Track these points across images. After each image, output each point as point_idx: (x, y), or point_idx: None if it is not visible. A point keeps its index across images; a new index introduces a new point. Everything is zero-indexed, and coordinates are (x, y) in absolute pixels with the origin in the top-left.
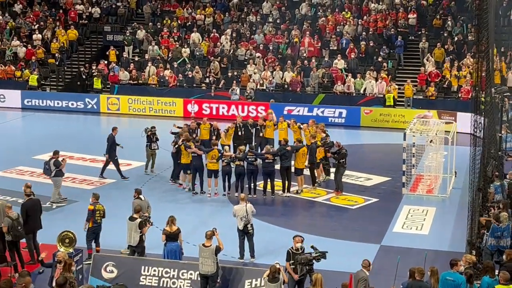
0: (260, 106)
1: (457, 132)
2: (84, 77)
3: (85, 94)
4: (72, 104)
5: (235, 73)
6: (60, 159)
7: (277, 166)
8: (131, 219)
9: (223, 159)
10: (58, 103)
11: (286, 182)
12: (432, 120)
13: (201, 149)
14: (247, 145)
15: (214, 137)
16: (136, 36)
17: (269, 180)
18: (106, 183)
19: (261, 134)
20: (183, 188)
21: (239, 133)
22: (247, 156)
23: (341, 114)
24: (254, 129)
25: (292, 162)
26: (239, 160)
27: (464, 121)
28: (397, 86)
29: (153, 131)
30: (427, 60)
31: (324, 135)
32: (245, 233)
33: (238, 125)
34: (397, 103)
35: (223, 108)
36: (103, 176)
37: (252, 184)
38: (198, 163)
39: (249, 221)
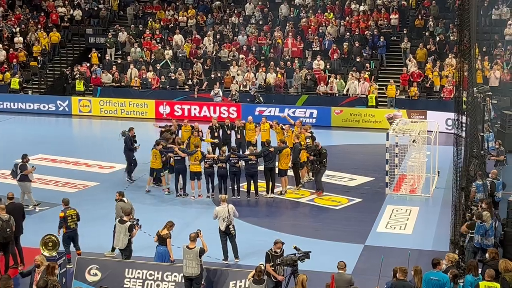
0: (232, 107)
1: (428, 131)
2: (67, 79)
3: (56, 97)
4: (44, 107)
5: (218, 75)
6: (29, 165)
7: (261, 167)
8: (121, 221)
9: (205, 160)
10: (29, 106)
11: (270, 183)
12: (403, 118)
13: (185, 151)
14: (228, 146)
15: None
16: (118, 39)
17: (252, 181)
18: (89, 186)
19: (238, 136)
20: (163, 190)
21: (215, 134)
22: (230, 158)
23: (312, 114)
24: (231, 130)
25: (276, 163)
26: (222, 162)
27: (434, 120)
28: (377, 86)
29: (133, 134)
30: (409, 60)
31: (308, 134)
32: (227, 234)
33: (213, 126)
34: (380, 103)
35: (194, 109)
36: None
37: (236, 186)
38: (181, 166)
39: (231, 222)
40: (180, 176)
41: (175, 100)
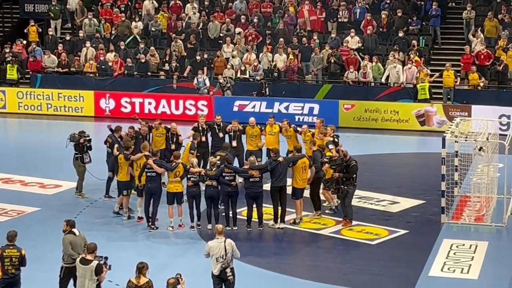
0: (201, 101)
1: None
2: None
3: None
4: None
5: (206, 57)
6: None
7: (266, 186)
8: (84, 262)
9: (189, 177)
10: None
11: (279, 208)
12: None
13: (163, 165)
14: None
15: (172, 146)
16: (67, 6)
17: (255, 205)
18: (25, 212)
19: (234, 144)
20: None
21: (202, 138)
22: (223, 173)
23: (312, 110)
24: (225, 134)
25: (288, 181)
26: (211, 179)
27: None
28: (429, 73)
29: (86, 137)
30: (473, 35)
31: (330, 139)
32: (223, 281)
33: (200, 128)
34: (433, 95)
35: (149, 103)
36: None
37: (231, 212)
38: (155, 185)
39: (229, 264)
40: (153, 199)
41: (146, 92)
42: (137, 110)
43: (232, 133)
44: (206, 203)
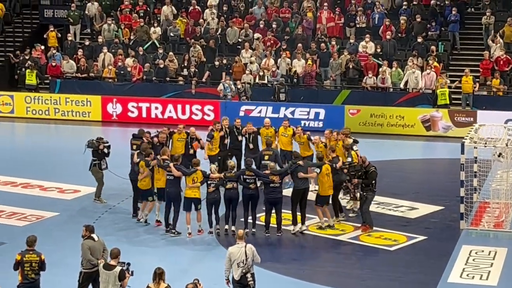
0: (208, 106)
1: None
2: (14, 69)
3: None
4: None
5: (225, 62)
6: None
7: (286, 192)
8: (107, 267)
9: (209, 183)
10: None
11: (298, 212)
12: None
13: (181, 169)
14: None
15: (191, 151)
16: (86, 12)
17: (274, 211)
18: (44, 217)
19: (251, 146)
20: (138, 220)
21: (225, 141)
22: (244, 175)
23: (318, 115)
24: (242, 137)
25: (311, 187)
26: (231, 181)
27: (486, 123)
28: (448, 80)
29: (105, 143)
30: (492, 41)
31: (350, 141)
32: (243, 286)
33: (225, 130)
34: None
35: (156, 108)
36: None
37: (250, 216)
38: (175, 190)
39: (249, 269)
40: (173, 204)
41: (165, 97)
42: (144, 115)
43: (247, 136)
44: (225, 205)
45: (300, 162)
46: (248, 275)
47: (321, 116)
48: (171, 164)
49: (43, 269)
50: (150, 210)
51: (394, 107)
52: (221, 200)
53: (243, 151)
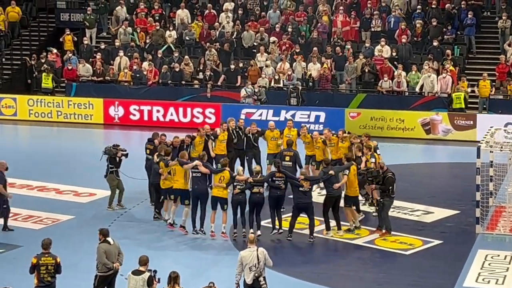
0: (209, 109)
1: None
2: (31, 72)
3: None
4: None
5: (240, 65)
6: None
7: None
8: (136, 272)
9: (235, 184)
10: None
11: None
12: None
13: (208, 167)
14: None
15: (212, 153)
16: (102, 15)
17: (307, 217)
18: (60, 220)
19: (255, 145)
20: (164, 221)
21: (234, 140)
22: (274, 178)
23: (318, 118)
24: (245, 137)
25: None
26: (258, 186)
27: (486, 127)
28: (466, 82)
29: (124, 151)
30: (509, 45)
31: (374, 142)
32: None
33: (231, 130)
34: (469, 105)
35: (157, 111)
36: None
37: (277, 216)
38: (201, 187)
39: (261, 273)
40: (200, 202)
41: (180, 100)
42: (146, 118)
43: (250, 135)
44: (250, 210)
45: (332, 172)
46: (261, 278)
47: (322, 119)
48: (198, 162)
49: (59, 272)
50: (173, 211)
51: (394, 110)
52: (246, 203)
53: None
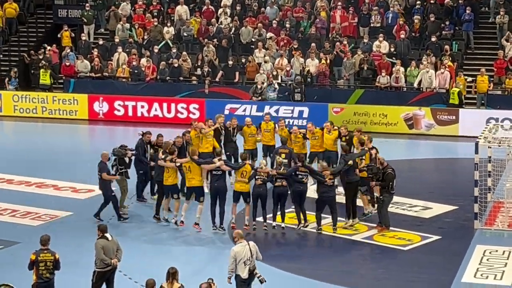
0: (193, 104)
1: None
2: (28, 68)
3: None
4: None
5: (239, 61)
6: None
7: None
8: None
9: (257, 177)
10: None
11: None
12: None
13: (229, 165)
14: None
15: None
16: (120, 11)
17: (330, 211)
18: (58, 217)
19: (234, 139)
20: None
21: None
22: (297, 172)
23: (302, 113)
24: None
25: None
26: (281, 179)
27: (468, 122)
28: (466, 78)
29: (133, 151)
30: (507, 40)
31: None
32: (248, 284)
33: (220, 127)
34: (466, 101)
35: (142, 107)
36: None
37: (302, 210)
38: (221, 184)
39: (255, 266)
40: (219, 198)
41: (179, 96)
42: (130, 113)
43: (231, 129)
44: (274, 202)
45: (351, 162)
46: (256, 271)
47: (305, 114)
48: (221, 162)
49: (58, 268)
50: (177, 209)
51: (378, 105)
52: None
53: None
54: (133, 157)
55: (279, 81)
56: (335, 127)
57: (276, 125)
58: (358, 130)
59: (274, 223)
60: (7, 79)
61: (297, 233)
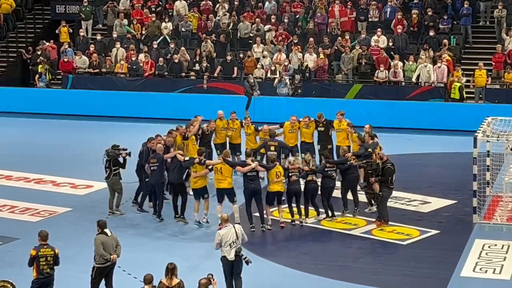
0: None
1: None
2: (26, 64)
3: None
4: None
5: (238, 56)
6: None
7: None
8: None
9: (290, 174)
10: None
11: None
12: None
13: (264, 165)
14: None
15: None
16: (120, 6)
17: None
18: (57, 213)
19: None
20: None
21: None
22: (326, 168)
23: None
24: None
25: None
26: (311, 174)
27: None
28: (460, 73)
29: (127, 151)
30: (506, 34)
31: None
32: (233, 266)
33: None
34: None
35: (140, 103)
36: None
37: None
38: (258, 185)
39: (241, 248)
40: (255, 198)
41: (177, 92)
42: (129, 109)
43: (209, 132)
44: (305, 198)
45: (370, 150)
46: (242, 253)
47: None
48: (256, 163)
49: (57, 263)
50: (207, 208)
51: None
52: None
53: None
54: (127, 157)
55: (289, 76)
56: (312, 120)
57: (243, 123)
58: (349, 125)
59: (307, 219)
60: (37, 76)
61: (293, 229)
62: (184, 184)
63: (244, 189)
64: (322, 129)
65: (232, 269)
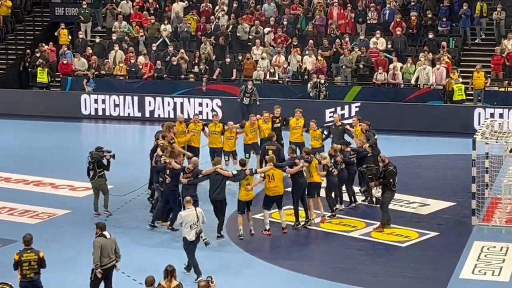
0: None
1: None
2: (25, 67)
3: None
4: None
5: (236, 59)
6: None
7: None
8: None
9: (331, 169)
10: None
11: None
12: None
13: (307, 161)
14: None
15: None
16: (119, 9)
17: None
18: (56, 215)
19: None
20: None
21: None
22: (349, 157)
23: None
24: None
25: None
26: (343, 163)
27: None
28: (458, 75)
29: (110, 153)
30: (504, 37)
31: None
32: (194, 246)
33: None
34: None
35: (139, 105)
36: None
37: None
38: (305, 180)
39: (201, 230)
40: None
41: (176, 94)
42: (127, 111)
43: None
44: (339, 187)
45: (376, 136)
46: (202, 234)
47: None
48: (301, 160)
49: (43, 266)
50: (251, 219)
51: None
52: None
53: None
54: (111, 159)
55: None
56: (271, 115)
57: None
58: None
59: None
60: (85, 80)
61: (292, 231)
62: (226, 201)
63: (294, 186)
64: (278, 125)
65: (194, 249)
